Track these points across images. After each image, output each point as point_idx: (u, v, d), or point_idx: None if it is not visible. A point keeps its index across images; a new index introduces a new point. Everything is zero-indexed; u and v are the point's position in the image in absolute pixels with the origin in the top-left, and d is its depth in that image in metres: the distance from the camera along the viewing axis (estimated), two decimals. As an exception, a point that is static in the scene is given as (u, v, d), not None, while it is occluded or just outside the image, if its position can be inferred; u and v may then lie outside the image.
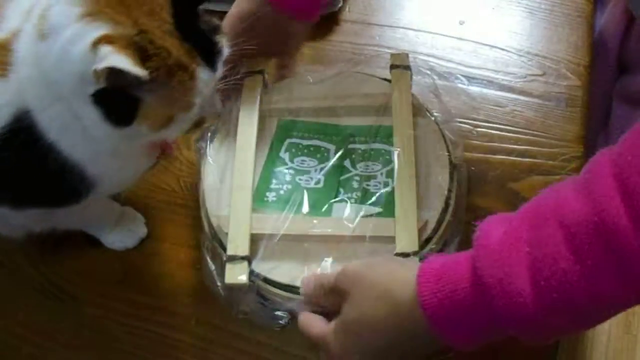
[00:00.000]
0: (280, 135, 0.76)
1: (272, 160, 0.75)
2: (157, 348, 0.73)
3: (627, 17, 0.93)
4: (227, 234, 0.68)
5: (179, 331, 0.74)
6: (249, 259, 0.67)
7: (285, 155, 0.75)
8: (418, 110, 0.75)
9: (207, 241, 0.72)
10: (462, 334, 0.54)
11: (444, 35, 0.94)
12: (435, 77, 0.81)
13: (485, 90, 0.88)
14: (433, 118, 0.76)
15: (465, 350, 0.55)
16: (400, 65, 0.78)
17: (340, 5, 0.98)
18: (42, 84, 0.60)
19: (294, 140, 0.76)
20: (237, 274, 0.66)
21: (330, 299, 0.62)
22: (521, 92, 0.87)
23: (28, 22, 0.62)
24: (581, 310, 0.49)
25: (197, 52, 0.60)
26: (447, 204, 0.70)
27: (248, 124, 0.74)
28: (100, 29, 0.56)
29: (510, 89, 0.88)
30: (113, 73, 0.54)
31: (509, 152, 0.82)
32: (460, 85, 0.88)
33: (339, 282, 0.60)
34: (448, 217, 0.70)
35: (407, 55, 0.79)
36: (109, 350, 0.74)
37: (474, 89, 0.88)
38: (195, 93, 0.61)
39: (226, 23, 0.74)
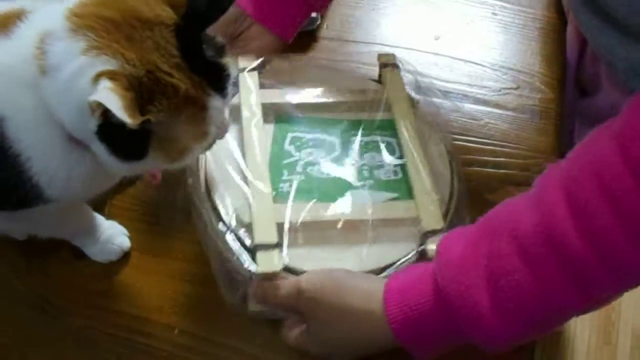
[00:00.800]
0: (281, 130, 0.78)
1: (278, 153, 0.76)
2: (141, 358, 0.74)
3: (582, 38, 0.95)
4: (248, 223, 0.68)
5: (162, 341, 0.74)
6: (279, 245, 0.66)
7: (290, 148, 0.76)
8: (412, 104, 0.79)
9: (215, 238, 0.70)
10: (426, 345, 0.58)
11: (419, 50, 0.97)
12: (411, 92, 0.84)
13: (460, 104, 0.91)
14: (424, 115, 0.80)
15: (429, 359, 0.59)
16: (389, 63, 0.81)
17: (318, 23, 1.01)
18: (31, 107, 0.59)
19: (296, 134, 0.78)
20: (270, 262, 0.65)
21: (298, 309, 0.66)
22: (496, 106, 0.90)
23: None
24: (537, 318, 0.53)
25: (206, 82, 0.60)
26: (452, 187, 0.73)
27: (252, 119, 0.75)
28: (106, 64, 0.55)
29: (484, 103, 0.91)
30: (108, 110, 0.52)
31: (484, 164, 0.84)
32: (435, 99, 0.90)
33: (299, 305, 0.63)
34: (455, 198, 0.73)
35: (393, 55, 0.83)
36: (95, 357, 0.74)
37: (450, 103, 0.90)
38: (208, 122, 0.61)
39: None
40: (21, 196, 0.63)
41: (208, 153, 0.73)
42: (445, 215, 0.71)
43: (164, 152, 0.59)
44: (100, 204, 0.79)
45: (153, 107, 0.55)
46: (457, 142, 0.86)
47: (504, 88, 0.92)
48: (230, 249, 0.68)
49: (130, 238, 0.79)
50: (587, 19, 0.78)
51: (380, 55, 0.83)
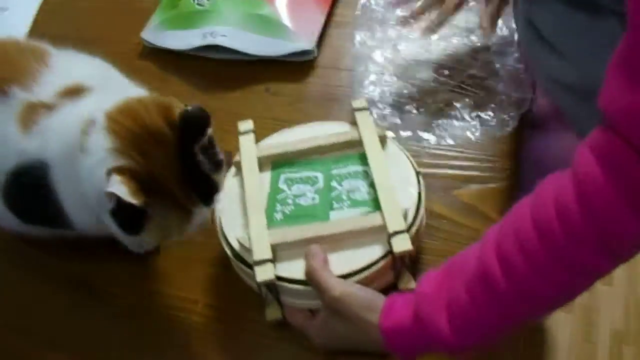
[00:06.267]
0: (276, 173, 0.90)
1: (274, 190, 0.88)
2: (173, 326, 0.85)
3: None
4: (249, 249, 0.79)
5: (189, 312, 0.86)
6: (272, 260, 0.78)
7: (283, 186, 0.88)
8: (382, 138, 0.90)
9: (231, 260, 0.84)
10: (408, 352, 0.73)
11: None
12: (387, 111, 0.97)
13: (434, 118, 1.00)
14: (394, 143, 0.91)
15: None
16: (361, 107, 0.93)
17: (314, 55, 1.12)
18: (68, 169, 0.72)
19: (287, 175, 0.89)
20: (265, 273, 0.77)
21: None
22: (460, 118, 1.00)
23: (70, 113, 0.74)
24: (483, 332, 0.69)
25: (196, 195, 0.71)
26: (419, 197, 0.84)
27: (250, 169, 0.88)
28: (119, 161, 0.66)
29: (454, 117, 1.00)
30: (118, 197, 0.64)
31: (451, 166, 0.96)
32: (412, 114, 1.02)
33: (328, 302, 0.76)
34: (422, 208, 0.84)
35: (365, 99, 0.94)
36: (142, 338, 0.85)
37: (424, 117, 1.01)
38: (189, 225, 0.73)
39: None
40: (57, 221, 0.78)
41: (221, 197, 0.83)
42: (415, 214, 0.82)
43: (153, 233, 0.71)
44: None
45: (150, 199, 0.67)
46: (428, 150, 0.97)
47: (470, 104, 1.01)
48: (238, 268, 0.83)
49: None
50: (525, 37, 0.90)
51: (354, 101, 0.93)
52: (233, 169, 0.92)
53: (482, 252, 0.67)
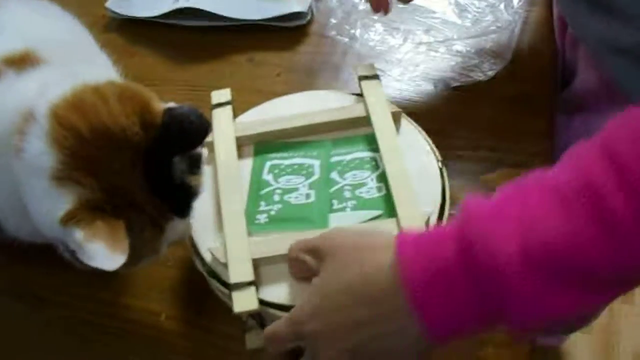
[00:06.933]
0: (259, 160, 0.75)
1: (256, 184, 0.73)
2: (129, 344, 0.74)
3: (563, 23, 0.95)
4: (224, 264, 0.65)
5: (148, 327, 0.74)
6: (255, 283, 0.63)
7: (268, 177, 0.73)
8: (396, 115, 0.75)
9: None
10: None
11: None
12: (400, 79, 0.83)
13: (451, 92, 0.90)
14: (411, 122, 0.77)
15: (442, 342, 0.52)
16: (369, 75, 0.79)
17: (308, 18, 1.03)
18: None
19: (274, 162, 0.75)
20: (246, 301, 0.62)
21: (311, 262, 0.60)
22: (485, 93, 0.90)
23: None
24: (569, 275, 0.47)
25: (169, 206, 0.61)
26: (443, 198, 0.69)
27: (226, 153, 0.73)
28: (68, 196, 0.56)
29: (477, 90, 0.90)
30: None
31: (476, 148, 0.84)
32: (426, 88, 0.91)
33: (321, 244, 0.59)
34: (446, 210, 0.69)
35: (372, 65, 0.80)
36: (78, 350, 0.74)
37: (441, 93, 0.91)
38: (163, 241, 0.62)
39: None
40: None
41: None
42: (439, 222, 0.67)
43: None
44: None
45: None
46: (449, 128, 0.85)
47: (496, 77, 0.92)
48: (216, 288, 0.68)
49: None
50: None
51: (357, 67, 0.80)
52: (204, 154, 0.77)
53: (578, 160, 0.48)
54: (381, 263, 0.53)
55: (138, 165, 0.58)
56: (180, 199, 0.62)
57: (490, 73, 0.92)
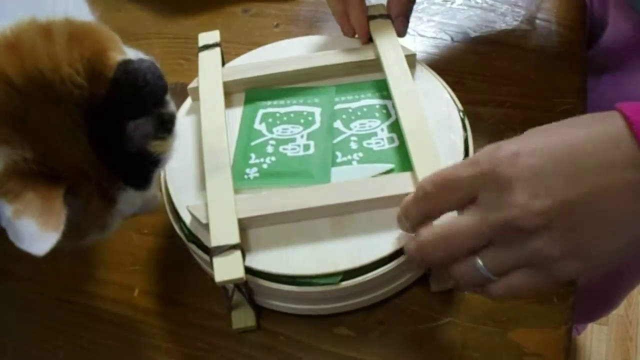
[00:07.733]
0: (250, 107, 0.66)
1: (247, 134, 0.64)
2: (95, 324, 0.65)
3: None
4: (205, 225, 0.56)
5: (118, 304, 0.65)
6: (241, 247, 0.54)
7: (261, 127, 0.64)
8: (410, 58, 0.66)
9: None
10: None
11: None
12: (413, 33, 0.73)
13: (471, 45, 0.80)
14: (427, 68, 0.67)
15: None
16: (378, 15, 0.69)
17: None
18: None
19: (268, 109, 0.66)
20: (230, 269, 0.53)
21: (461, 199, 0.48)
22: (512, 46, 0.80)
23: None
24: None
25: (120, 175, 0.50)
26: (466, 152, 0.60)
27: (212, 101, 0.64)
28: None
29: (499, 43, 0.80)
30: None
31: (501, 104, 0.74)
32: (443, 40, 0.81)
33: (497, 169, 0.45)
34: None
35: (382, 5, 0.70)
36: (37, 332, 0.66)
37: (460, 45, 0.81)
38: (115, 216, 0.52)
39: None
40: None
41: None
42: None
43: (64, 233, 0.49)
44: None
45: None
46: (469, 82, 0.75)
47: (520, 29, 0.82)
48: (197, 256, 0.59)
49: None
50: None
51: (369, 7, 0.71)
52: (187, 103, 0.68)
53: None
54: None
55: (82, 124, 0.48)
56: (137, 168, 0.51)
57: (515, 23, 0.82)
